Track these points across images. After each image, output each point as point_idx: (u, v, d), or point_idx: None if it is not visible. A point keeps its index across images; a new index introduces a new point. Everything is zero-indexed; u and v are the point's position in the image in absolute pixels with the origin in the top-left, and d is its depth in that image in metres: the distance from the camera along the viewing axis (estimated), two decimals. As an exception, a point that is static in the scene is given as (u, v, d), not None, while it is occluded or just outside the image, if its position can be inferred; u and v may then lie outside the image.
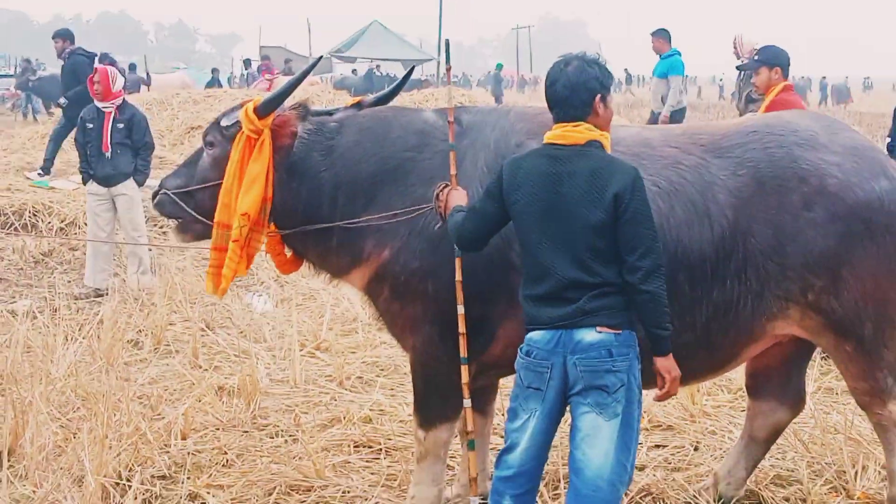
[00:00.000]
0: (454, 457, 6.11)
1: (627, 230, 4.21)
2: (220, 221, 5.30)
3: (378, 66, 46.63)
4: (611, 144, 4.46)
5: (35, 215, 13.83)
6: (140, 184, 11.47)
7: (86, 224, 12.42)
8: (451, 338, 4.90)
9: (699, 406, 7.18)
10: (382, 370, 8.35)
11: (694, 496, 5.79)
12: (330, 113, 5.55)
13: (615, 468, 4.28)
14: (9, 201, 14.09)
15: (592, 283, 4.26)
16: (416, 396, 5.33)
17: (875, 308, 4.94)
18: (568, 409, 4.42)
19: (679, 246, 4.80)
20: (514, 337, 4.74)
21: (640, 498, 5.81)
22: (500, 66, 46.72)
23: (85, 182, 11.64)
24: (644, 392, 4.50)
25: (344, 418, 7.07)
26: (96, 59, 17.57)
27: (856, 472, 5.97)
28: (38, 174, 16.66)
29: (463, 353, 4.88)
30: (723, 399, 7.52)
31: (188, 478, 6.04)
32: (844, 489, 5.91)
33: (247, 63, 43.53)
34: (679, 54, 16.11)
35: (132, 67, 37.39)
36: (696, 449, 6.57)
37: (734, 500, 5.76)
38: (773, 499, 5.83)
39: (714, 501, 5.72)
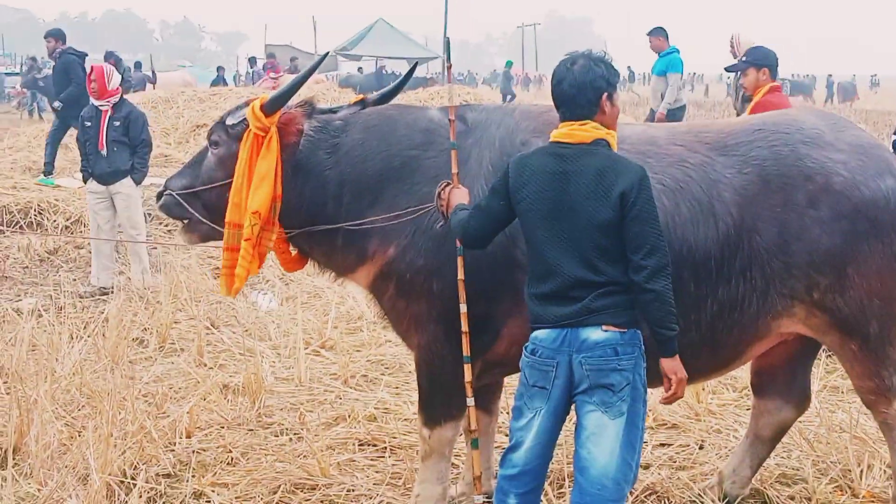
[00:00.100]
0: (459, 455, 6.10)
1: (633, 229, 4.20)
2: (231, 221, 5.30)
3: (384, 67, 46.60)
4: (616, 142, 4.45)
5: (40, 213, 13.86)
6: (137, 182, 11.46)
7: (92, 222, 12.42)
8: (456, 336, 4.89)
9: (704, 404, 7.17)
10: (387, 368, 8.35)
11: (699, 495, 5.79)
12: (334, 111, 5.55)
13: (620, 467, 4.27)
14: (14, 199, 14.11)
15: (598, 282, 4.25)
16: (421, 395, 5.33)
17: (880, 306, 4.93)
18: (573, 407, 4.41)
19: (684, 244, 4.79)
20: (518, 335, 4.74)
21: (645, 496, 5.80)
22: (509, 64, 46.59)
23: (85, 180, 11.66)
24: (649, 391, 4.49)
25: (349, 416, 7.07)
26: (86, 58, 17.59)
27: (861, 471, 5.97)
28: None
29: (466, 351, 4.88)
30: (728, 397, 7.51)
31: (193, 476, 6.04)
32: (850, 488, 5.90)
33: (252, 61, 43.52)
34: (678, 52, 16.09)
35: (137, 66, 37.45)
36: (701, 447, 6.57)
37: (739, 499, 5.75)
38: (778, 497, 5.83)
39: (719, 500, 5.73)
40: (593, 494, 4.27)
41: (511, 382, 5.25)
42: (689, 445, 6.59)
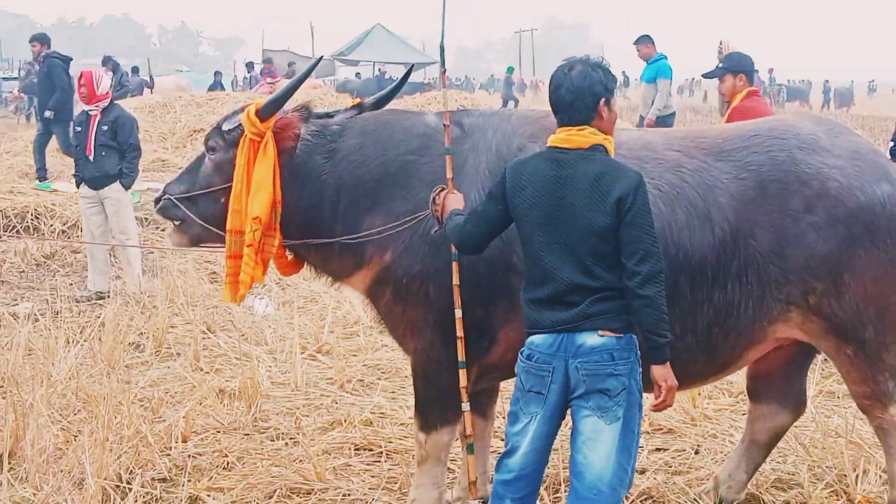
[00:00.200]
0: (455, 460, 6.11)
1: (628, 234, 4.21)
2: (232, 228, 5.30)
3: (385, 73, 46.59)
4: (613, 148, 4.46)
5: (37, 218, 13.87)
6: (126, 186, 11.45)
7: (89, 227, 12.43)
8: (453, 341, 4.90)
9: (700, 409, 7.17)
10: (383, 373, 8.35)
11: (694, 500, 5.79)
12: (331, 115, 5.55)
13: (616, 471, 4.27)
14: (11, 204, 14.13)
15: (595, 287, 4.26)
16: (417, 399, 5.33)
17: (876, 312, 4.94)
18: (569, 412, 4.41)
19: (680, 249, 4.80)
20: (515, 340, 4.74)
21: (641, 501, 5.81)
22: (510, 70, 46.61)
23: (78, 185, 11.68)
24: (645, 395, 4.49)
25: (345, 421, 7.07)
26: (71, 62, 17.64)
27: (857, 476, 5.97)
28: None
29: (461, 356, 4.88)
30: (724, 402, 7.51)
31: (189, 481, 6.03)
32: (845, 493, 5.90)
33: (249, 66, 43.56)
34: (665, 58, 16.13)
35: (135, 70, 37.41)
36: (696, 452, 6.57)
37: (735, 504, 5.76)
38: (773, 502, 5.84)
39: (715, 505, 5.73)
40: (589, 499, 4.27)
41: (507, 387, 5.24)
42: (685, 450, 6.59)
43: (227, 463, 6.39)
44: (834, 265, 4.85)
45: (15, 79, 43.99)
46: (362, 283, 5.32)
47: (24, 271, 12.44)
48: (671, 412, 7.05)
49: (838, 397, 7.53)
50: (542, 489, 5.34)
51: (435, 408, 5.24)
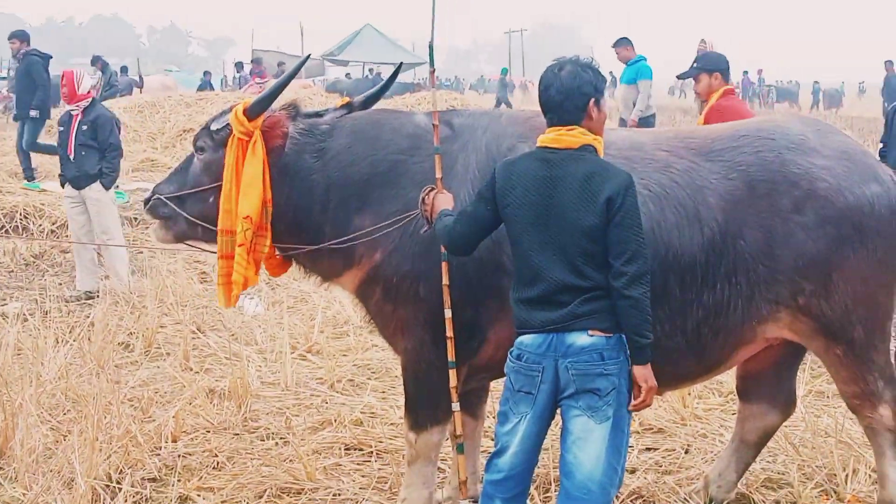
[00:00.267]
0: (445, 459, 6.10)
1: (616, 234, 4.20)
2: (223, 229, 5.29)
3: (379, 73, 46.55)
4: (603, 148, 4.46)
5: (26, 218, 13.86)
6: (106, 186, 11.41)
7: (77, 227, 12.41)
8: (443, 341, 4.89)
9: (690, 409, 7.18)
10: (373, 373, 8.34)
11: (685, 499, 5.80)
12: (320, 114, 5.55)
13: (606, 471, 4.27)
14: (0, 204, 14.06)
15: (584, 287, 4.25)
16: (408, 399, 5.33)
17: (865, 312, 4.96)
18: (558, 412, 4.42)
19: (670, 249, 4.81)
20: (504, 340, 4.74)
21: (631, 501, 5.81)
22: (504, 72, 46.62)
23: (62, 185, 11.70)
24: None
25: (335, 421, 7.07)
26: (51, 60, 17.63)
27: (846, 476, 5.98)
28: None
29: (451, 356, 4.88)
30: (714, 402, 7.52)
31: (178, 480, 6.03)
32: (835, 492, 5.91)
33: (239, 66, 43.50)
34: (645, 59, 16.20)
35: (124, 70, 37.36)
36: (686, 452, 6.58)
37: (725, 503, 5.76)
38: (763, 501, 5.84)
39: (704, 504, 5.73)
40: (579, 499, 4.27)
41: (497, 387, 5.24)
42: (675, 450, 6.60)
43: (217, 463, 6.38)
44: (823, 265, 4.86)
45: (3, 79, 43.85)
46: (352, 282, 5.31)
47: (13, 271, 12.42)
48: (661, 412, 7.08)
49: (828, 397, 7.55)
50: (532, 489, 5.33)
51: (425, 407, 5.23)
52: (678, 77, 10.03)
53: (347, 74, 51.93)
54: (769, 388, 5.62)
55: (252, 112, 5.23)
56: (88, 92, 11.43)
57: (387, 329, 5.29)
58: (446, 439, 5.44)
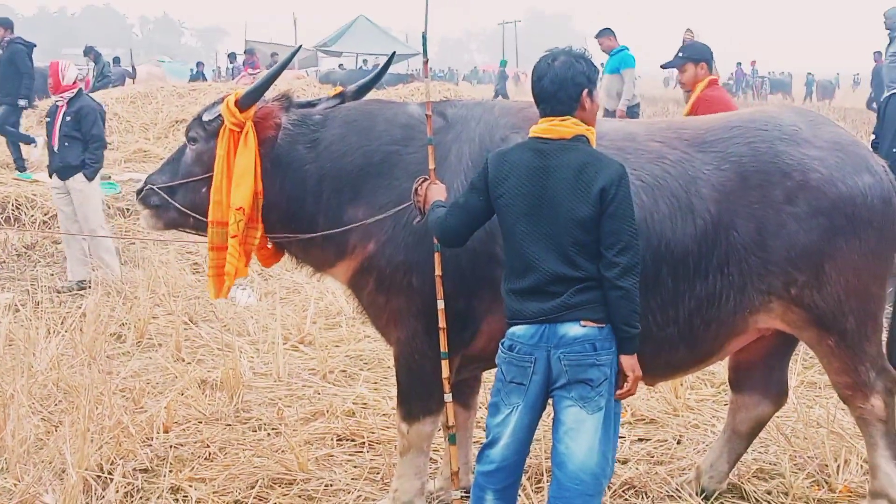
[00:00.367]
0: (437, 450, 6.10)
1: (608, 225, 4.20)
2: (214, 220, 5.28)
3: (376, 64, 46.41)
4: (595, 138, 4.46)
5: (18, 208, 13.84)
6: (89, 177, 11.41)
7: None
8: (436, 331, 4.89)
9: (682, 400, 7.19)
10: (366, 364, 8.34)
11: (676, 489, 5.80)
12: (313, 104, 5.54)
13: (598, 461, 4.28)
14: (-9, 194, 14.06)
15: (577, 278, 4.25)
16: (400, 390, 5.33)
17: (857, 302, 4.96)
18: (550, 402, 4.42)
19: (662, 240, 4.81)
20: (497, 331, 4.73)
21: (623, 491, 5.81)
22: (504, 63, 46.53)
23: (50, 175, 11.71)
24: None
25: (327, 412, 7.06)
26: (34, 48, 17.61)
27: (838, 466, 5.99)
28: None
29: (443, 347, 4.88)
30: (706, 393, 7.53)
31: (170, 471, 6.02)
32: (827, 483, 5.92)
33: (231, 57, 43.41)
34: (627, 49, 16.24)
35: (116, 61, 37.29)
36: (678, 442, 6.59)
37: (717, 494, 5.76)
38: (755, 492, 5.84)
39: (696, 495, 5.73)
40: (571, 489, 4.28)
41: (490, 377, 5.25)
42: (666, 440, 6.61)
43: (209, 453, 6.37)
44: (815, 256, 4.86)
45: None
46: (345, 273, 5.31)
47: (4, 262, 12.40)
48: (653, 402, 7.09)
49: (820, 388, 7.56)
50: (524, 479, 5.34)
51: (418, 398, 5.23)
52: (662, 66, 10.01)
53: (341, 65, 51.82)
54: (761, 378, 5.62)
55: (243, 103, 5.21)
56: (74, 83, 11.43)
57: (379, 320, 5.29)
58: (438, 430, 5.44)
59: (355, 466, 6.20)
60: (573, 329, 4.26)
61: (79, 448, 5.80)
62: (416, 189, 4.80)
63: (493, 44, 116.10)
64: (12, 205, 13.83)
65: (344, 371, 8.13)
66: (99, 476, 5.84)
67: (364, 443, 6.54)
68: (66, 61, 11.81)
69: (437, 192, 4.72)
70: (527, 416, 4.40)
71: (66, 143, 11.22)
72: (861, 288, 4.97)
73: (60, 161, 11.31)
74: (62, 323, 8.80)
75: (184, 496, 5.81)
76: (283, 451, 6.31)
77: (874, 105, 30.53)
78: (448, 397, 4.95)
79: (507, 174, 4.35)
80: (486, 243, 4.81)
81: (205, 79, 38.88)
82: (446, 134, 5.12)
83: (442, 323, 4.85)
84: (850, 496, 5.78)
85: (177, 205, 5.52)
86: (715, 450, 5.86)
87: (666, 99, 47.10)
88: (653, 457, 6.35)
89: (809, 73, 59.90)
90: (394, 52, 7.71)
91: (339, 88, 5.75)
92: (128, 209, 14.24)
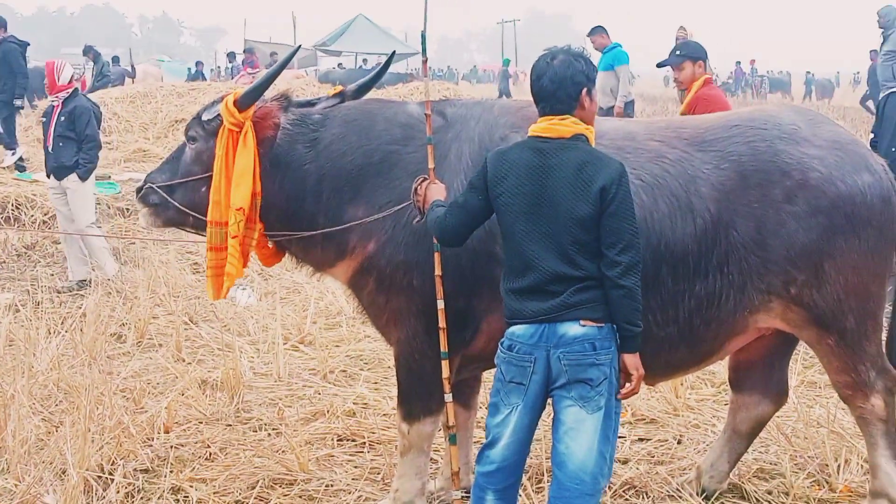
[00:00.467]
0: (438, 450, 6.10)
1: (609, 224, 4.20)
2: (212, 220, 5.27)
3: (378, 63, 46.36)
4: (594, 137, 4.45)
5: (18, 208, 13.83)
6: (82, 177, 11.40)
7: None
8: (436, 331, 4.89)
9: (683, 400, 7.19)
10: (366, 364, 8.34)
11: (677, 489, 5.80)
12: (312, 104, 5.54)
13: (598, 461, 4.27)
14: (-9, 194, 14.05)
15: (577, 277, 4.25)
16: (401, 390, 5.33)
17: (857, 301, 4.96)
18: (549, 402, 4.41)
19: (662, 239, 4.81)
20: (497, 330, 4.73)
21: (624, 491, 5.81)
22: (507, 63, 46.49)
23: (47, 176, 11.73)
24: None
25: (327, 412, 7.06)
26: (28, 47, 17.61)
27: (838, 466, 5.99)
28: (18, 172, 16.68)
29: (443, 347, 4.88)
30: (706, 393, 7.53)
31: (171, 471, 6.02)
32: (827, 482, 5.92)
33: (231, 56, 43.38)
34: (620, 46, 16.23)
35: (115, 60, 37.27)
36: (679, 442, 6.59)
37: (717, 494, 5.76)
38: (755, 492, 5.84)
39: (697, 494, 5.73)
40: (571, 489, 4.27)
41: (490, 377, 5.24)
42: (667, 440, 6.60)
43: (210, 454, 6.37)
44: (815, 255, 4.86)
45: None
46: (345, 273, 5.30)
47: (4, 262, 12.39)
48: (654, 402, 7.09)
49: (820, 387, 7.56)
50: (524, 480, 5.35)
51: (418, 398, 5.23)
52: (659, 65, 9.97)
53: (340, 65, 51.81)
54: (761, 378, 5.62)
55: (242, 103, 5.21)
56: (69, 82, 11.43)
57: (380, 320, 5.29)
58: (439, 430, 5.44)
59: (356, 466, 6.20)
60: (572, 328, 4.26)
61: (79, 448, 5.81)
62: (416, 188, 4.80)
63: (493, 43, 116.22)
64: (12, 205, 13.82)
65: (344, 371, 8.13)
66: (100, 476, 5.84)
67: (365, 443, 6.54)
68: (61, 61, 11.81)
69: (436, 192, 4.72)
70: (526, 416, 4.39)
71: (61, 144, 11.24)
72: (861, 287, 4.96)
73: (55, 161, 11.33)
74: (62, 323, 8.81)
75: (184, 496, 5.81)
76: (283, 452, 6.32)
77: (868, 103, 30.62)
78: (448, 397, 4.95)
79: (506, 173, 4.35)
80: (485, 242, 4.81)
81: (204, 78, 38.86)
82: (446, 133, 5.12)
83: (442, 323, 4.85)
84: (850, 496, 5.78)
85: (176, 203, 5.52)
86: (715, 449, 5.86)
87: (665, 98, 47.04)
88: (653, 457, 6.35)
89: (808, 72, 59.89)
90: (394, 52, 7.70)
91: (339, 88, 5.75)
92: (127, 209, 14.24)
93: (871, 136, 10.03)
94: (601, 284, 4.26)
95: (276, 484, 5.93)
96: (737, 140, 4.99)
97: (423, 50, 5.41)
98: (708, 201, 4.85)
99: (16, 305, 9.32)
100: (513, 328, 4.38)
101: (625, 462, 6.17)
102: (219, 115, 5.29)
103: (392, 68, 7.33)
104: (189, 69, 43.45)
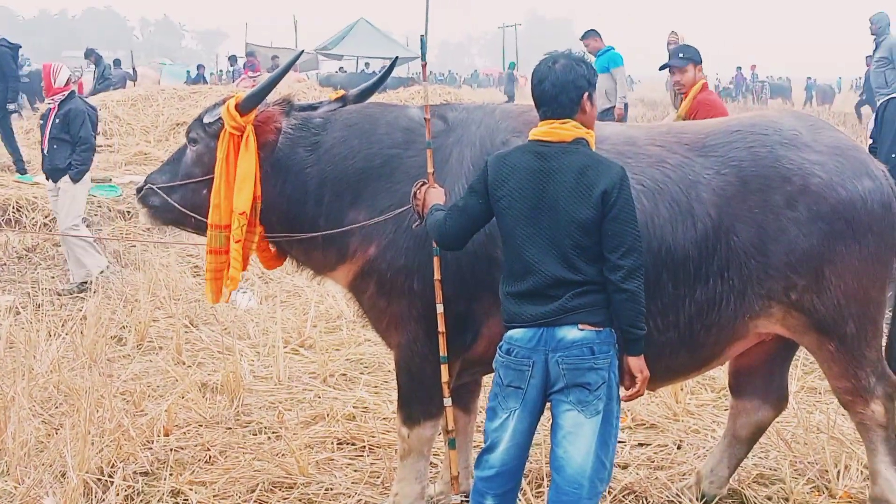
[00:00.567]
0: (437, 454, 6.10)
1: (612, 228, 4.21)
2: (212, 224, 5.27)
3: (383, 67, 46.37)
4: (595, 142, 4.46)
5: (19, 210, 13.82)
6: (74, 180, 11.42)
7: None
8: (437, 335, 4.89)
9: (683, 405, 7.19)
10: (366, 367, 8.34)
11: (677, 494, 5.79)
12: (314, 107, 5.54)
13: (596, 465, 4.27)
14: (-8, 197, 14.05)
15: (576, 281, 4.25)
16: (401, 394, 5.33)
17: (857, 307, 4.95)
18: (548, 406, 4.41)
19: (663, 244, 4.81)
20: (497, 334, 4.72)
21: (623, 496, 5.81)
22: (512, 66, 46.47)
23: (47, 178, 11.74)
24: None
25: (327, 415, 7.06)
26: (20, 50, 17.62)
27: (838, 472, 5.99)
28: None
29: (443, 351, 4.88)
30: (706, 398, 7.53)
31: (171, 474, 6.02)
32: (827, 488, 5.92)
33: (232, 60, 43.41)
34: (614, 48, 16.24)
35: (116, 63, 37.28)
36: (679, 447, 6.58)
37: (717, 499, 5.76)
38: (755, 497, 5.84)
39: (697, 500, 5.73)
40: (570, 493, 4.27)
41: (489, 382, 5.24)
42: (667, 445, 6.60)
43: (210, 457, 6.37)
44: (815, 261, 4.86)
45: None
46: (345, 277, 5.30)
47: (5, 264, 12.39)
48: (654, 407, 7.09)
49: (820, 393, 7.55)
50: (524, 484, 5.35)
51: (418, 402, 5.23)
52: (661, 68, 9.97)
53: (341, 68, 51.85)
54: (761, 383, 5.62)
55: (244, 107, 5.21)
56: (66, 85, 11.45)
57: (380, 323, 5.29)
58: (439, 434, 5.44)
59: (356, 470, 6.21)
60: (571, 332, 4.26)
61: (79, 451, 5.81)
62: (415, 192, 4.80)
63: (494, 47, 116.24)
64: (13, 207, 13.82)
65: (344, 375, 8.13)
66: (99, 479, 5.84)
67: (364, 447, 6.54)
68: (58, 64, 11.83)
69: (435, 196, 4.72)
70: (525, 421, 4.39)
71: (55, 146, 11.28)
72: (861, 293, 4.96)
73: (49, 163, 11.40)
74: (63, 326, 8.82)
75: (184, 499, 5.82)
76: (283, 455, 6.32)
77: (860, 110, 30.70)
78: (448, 401, 4.95)
79: (506, 177, 4.35)
80: (486, 246, 4.81)
81: (205, 81, 38.85)
82: (447, 137, 5.12)
83: (441, 327, 4.86)
84: (850, 502, 5.78)
85: (175, 204, 5.53)
86: (715, 455, 5.86)
87: (666, 103, 46.99)
88: (653, 462, 6.35)
89: (809, 78, 59.85)
90: (396, 57, 7.71)
91: (341, 92, 5.76)
92: (128, 212, 14.23)
93: (870, 141, 10.02)
94: (601, 289, 4.26)
95: (275, 487, 5.93)
96: (738, 145, 4.99)
97: (423, 54, 5.42)
98: (709, 206, 4.85)
99: (16, 308, 9.34)
100: (511, 332, 4.38)
101: (625, 467, 6.17)
102: (220, 118, 5.30)
103: (393, 72, 7.33)
104: (188, 72, 43.41)
